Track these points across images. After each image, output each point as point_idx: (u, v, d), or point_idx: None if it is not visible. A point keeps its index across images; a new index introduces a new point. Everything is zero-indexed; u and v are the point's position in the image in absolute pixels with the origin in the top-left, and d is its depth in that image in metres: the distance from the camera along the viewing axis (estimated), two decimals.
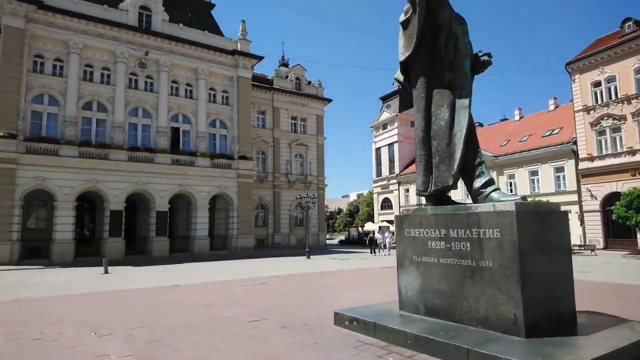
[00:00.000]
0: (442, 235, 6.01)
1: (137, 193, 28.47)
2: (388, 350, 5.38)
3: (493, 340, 4.85)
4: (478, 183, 6.11)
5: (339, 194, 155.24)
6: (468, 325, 5.51)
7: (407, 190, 51.75)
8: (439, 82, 6.56)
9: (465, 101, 6.23)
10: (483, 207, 5.57)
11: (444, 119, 6.39)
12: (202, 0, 34.77)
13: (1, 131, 22.99)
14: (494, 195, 5.89)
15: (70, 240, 24.92)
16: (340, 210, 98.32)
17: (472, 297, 5.50)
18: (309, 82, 42.85)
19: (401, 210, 51.21)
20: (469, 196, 6.40)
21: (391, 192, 55.06)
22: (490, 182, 6.06)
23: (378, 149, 57.95)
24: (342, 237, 60.83)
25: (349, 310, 6.94)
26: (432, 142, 6.59)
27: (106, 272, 18.40)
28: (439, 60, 6.61)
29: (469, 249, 5.61)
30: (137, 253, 28.71)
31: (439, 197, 6.71)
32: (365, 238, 39.02)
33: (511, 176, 37.42)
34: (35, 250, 25.24)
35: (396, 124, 54.39)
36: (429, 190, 6.59)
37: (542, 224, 5.43)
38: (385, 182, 56.01)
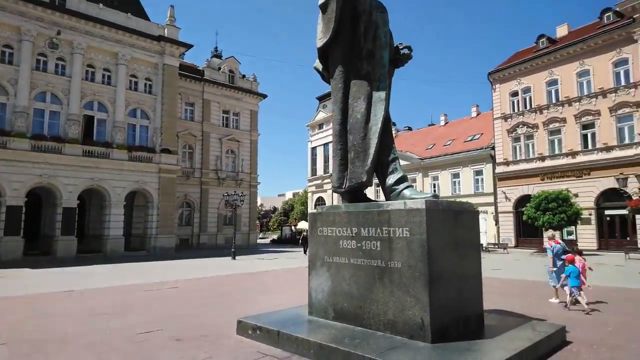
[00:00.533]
0: (354, 234, 5.61)
1: (42, 187, 25.46)
2: None
3: (398, 347, 4.49)
4: (391, 180, 5.81)
5: (275, 192, 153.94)
6: (376, 331, 5.14)
7: None
8: (357, 72, 6.18)
9: (382, 94, 5.91)
10: (394, 205, 5.24)
11: (360, 112, 6.02)
12: None
13: None
14: (406, 192, 5.61)
15: None
16: (275, 209, 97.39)
17: (381, 300, 5.14)
18: (243, 76, 41.47)
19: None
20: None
21: (325, 191, 55.26)
22: (403, 179, 5.77)
23: (314, 149, 57.91)
24: (275, 237, 60.10)
25: (253, 318, 6.30)
26: (348, 136, 6.20)
27: None
28: (358, 50, 6.23)
29: (379, 248, 5.25)
30: (42, 253, 25.66)
31: (355, 194, 6.33)
32: (298, 237, 38.58)
33: (435, 178, 39.11)
34: None
35: (332, 124, 54.57)
36: (344, 186, 6.18)
37: (453, 223, 5.21)
38: (319, 182, 56.10)
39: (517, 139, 32.82)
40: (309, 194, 59.61)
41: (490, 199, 34.42)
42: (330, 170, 53.98)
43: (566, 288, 8.33)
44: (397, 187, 5.72)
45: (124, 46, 28.67)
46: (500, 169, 33.46)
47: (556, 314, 7.60)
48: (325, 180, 54.28)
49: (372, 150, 5.76)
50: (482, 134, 37.30)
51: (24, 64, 24.54)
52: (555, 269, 9.12)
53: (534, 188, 30.08)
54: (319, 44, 6.46)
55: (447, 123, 46.08)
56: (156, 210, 29.20)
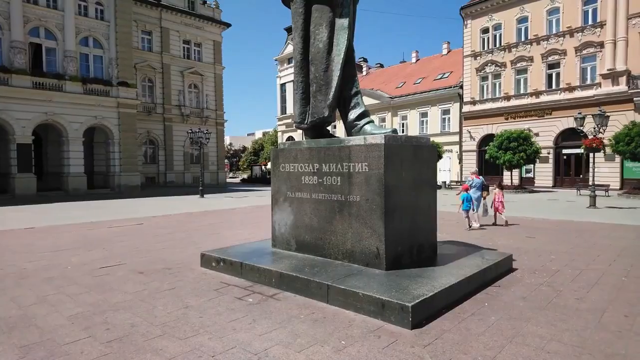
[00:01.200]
0: (315, 170, 5.61)
1: None
2: (251, 290, 5.00)
3: (355, 275, 4.71)
4: (352, 115, 5.73)
5: (244, 131, 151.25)
6: (334, 260, 5.35)
7: None
8: None
9: (345, 21, 5.62)
10: (355, 141, 5.21)
11: (322, 40, 5.74)
12: None
13: None
14: (367, 127, 5.57)
15: None
16: (245, 149, 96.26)
17: (340, 231, 5.29)
18: (204, 2, 38.59)
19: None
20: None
21: (295, 130, 54.61)
22: (364, 114, 5.70)
23: (283, 85, 56.23)
24: (245, 176, 59.94)
25: (217, 251, 6.40)
26: (310, 67, 5.96)
27: None
28: None
29: (339, 183, 5.30)
30: (1, 192, 24.64)
31: (319, 130, 6.23)
32: (269, 176, 38.61)
33: (404, 117, 39.26)
34: None
35: (293, 53, 52.75)
36: (306, 122, 6.05)
37: (411, 158, 5.27)
38: (290, 121, 55.18)
39: (484, 78, 32.96)
40: (279, 134, 58.84)
41: (456, 138, 35.17)
42: None
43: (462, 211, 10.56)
44: (358, 122, 5.67)
45: None
46: (466, 108, 33.86)
47: (506, 244, 8.14)
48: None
49: (334, 84, 5.60)
50: (451, 72, 37.13)
51: None
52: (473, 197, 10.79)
53: (498, 127, 30.86)
54: None
55: (418, 60, 45.43)
56: (118, 147, 28.17)
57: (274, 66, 59.42)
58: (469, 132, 33.73)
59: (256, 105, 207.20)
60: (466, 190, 10.70)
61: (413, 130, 37.85)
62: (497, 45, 32.08)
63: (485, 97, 32.89)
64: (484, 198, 11.02)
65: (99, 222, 12.30)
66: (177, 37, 36.33)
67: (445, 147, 33.76)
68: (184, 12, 36.39)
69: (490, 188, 11.54)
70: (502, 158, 26.07)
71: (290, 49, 54.15)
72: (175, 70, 36.08)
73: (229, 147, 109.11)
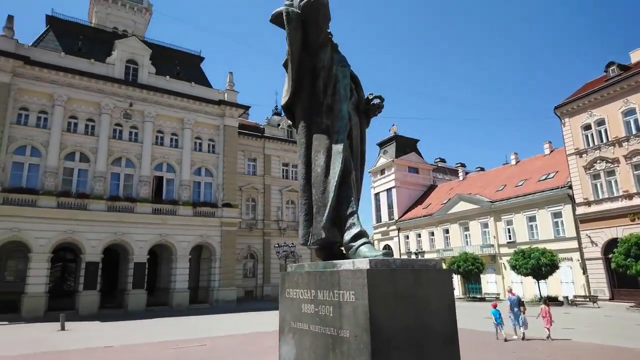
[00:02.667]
0: (312, 297, 5.14)
1: (117, 244, 27.89)
2: None
3: None
4: (348, 236, 5.37)
5: None
6: None
7: (407, 237, 50.32)
8: (318, 127, 6.09)
9: (340, 146, 5.72)
10: (345, 265, 4.75)
11: (320, 165, 5.86)
12: (191, 54, 35.92)
13: None
14: (362, 249, 5.10)
15: (42, 293, 24.08)
16: None
17: None
18: None
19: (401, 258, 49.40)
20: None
21: (391, 238, 53.61)
22: (360, 234, 5.29)
23: (377, 195, 57.23)
24: None
25: None
26: (312, 190, 5.98)
27: (62, 328, 17.42)
28: (318, 105, 6.16)
29: (331, 314, 4.72)
30: (116, 307, 27.65)
31: (329, 251, 5.94)
32: None
33: (509, 222, 35.95)
34: (11, 304, 24.42)
35: (393, 170, 54.00)
36: (309, 243, 5.87)
37: (410, 284, 4.56)
38: (385, 229, 54.76)
39: (596, 176, 29.29)
40: (375, 242, 58.13)
41: (574, 244, 30.51)
42: (395, 216, 52.68)
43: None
44: (353, 243, 5.27)
45: (189, 112, 31.58)
46: (581, 210, 29.81)
47: None
48: (391, 227, 52.81)
49: (328, 204, 5.45)
50: (556, 172, 33.98)
51: (103, 134, 27.99)
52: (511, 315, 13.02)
53: (624, 230, 26.18)
54: (282, 102, 6.53)
55: (518, 162, 42.95)
56: (218, 262, 30.30)
57: (366, 177, 60.50)
58: (589, 237, 29.11)
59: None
60: (494, 306, 12.74)
61: (522, 237, 34.18)
62: (604, 140, 28.97)
63: (601, 197, 28.82)
64: (523, 312, 12.60)
65: (169, 341, 12.70)
66: (278, 161, 40.49)
67: (561, 255, 29.41)
68: (283, 140, 40.98)
69: (542, 306, 13.16)
70: (633, 267, 21.52)
71: (382, 161, 56.10)
72: (275, 190, 39.45)
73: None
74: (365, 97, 6.61)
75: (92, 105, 28.27)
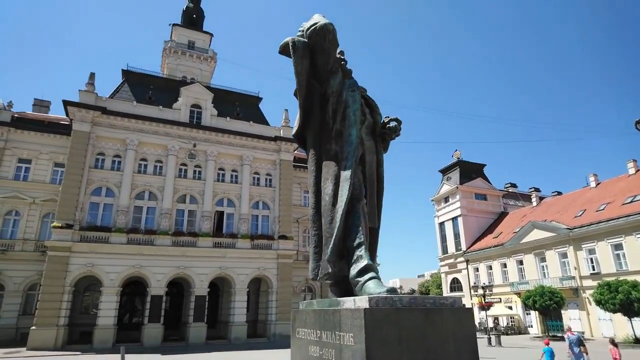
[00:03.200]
0: (318, 339, 4.73)
1: (180, 277, 29.05)
2: None
3: None
4: (354, 270, 4.91)
5: (415, 272, 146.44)
6: None
7: (477, 270, 46.95)
8: (327, 153, 5.84)
9: (348, 173, 5.37)
10: (346, 304, 4.31)
11: (328, 193, 5.52)
12: (249, 95, 37.78)
13: (60, 222, 25.53)
14: (369, 285, 4.61)
15: (111, 325, 25.53)
16: (413, 292, 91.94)
17: None
18: None
19: (471, 292, 46.04)
20: None
21: (459, 271, 50.36)
22: (367, 268, 4.80)
23: (441, 224, 54.58)
24: None
25: None
26: (322, 220, 5.64)
27: None
28: (327, 131, 5.94)
29: (334, 358, 4.27)
30: (179, 339, 28.47)
31: (344, 286, 5.49)
32: None
33: (591, 251, 32.18)
34: (86, 335, 26.20)
35: (458, 197, 51.43)
36: (318, 277, 5.47)
37: (419, 327, 3.99)
38: (452, 260, 51.70)
39: None
40: (442, 275, 54.92)
41: None
42: (463, 247, 49.52)
43: None
44: (359, 279, 4.80)
45: (247, 149, 32.91)
46: None
47: None
48: (459, 259, 49.73)
49: (333, 235, 5.07)
50: None
51: (170, 173, 29.92)
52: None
53: None
54: (293, 131, 6.41)
55: (598, 184, 38.84)
56: (275, 295, 30.29)
57: (427, 205, 58.35)
58: None
59: (421, 245, 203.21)
60: (547, 344, 12.81)
61: (607, 267, 30.37)
62: None
63: None
64: (586, 353, 12.05)
65: None
66: None
67: None
68: None
69: (610, 347, 12.97)
70: None
71: (446, 188, 53.78)
72: None
73: (398, 289, 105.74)
74: (383, 121, 6.30)
75: (160, 148, 30.51)
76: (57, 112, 36.73)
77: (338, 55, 6.45)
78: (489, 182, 54.80)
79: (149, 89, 33.80)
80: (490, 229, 49.16)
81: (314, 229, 5.73)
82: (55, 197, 28.44)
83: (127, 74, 34.29)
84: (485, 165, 57.29)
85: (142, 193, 29.39)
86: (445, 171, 56.97)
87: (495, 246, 43.28)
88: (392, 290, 4.27)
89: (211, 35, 49.59)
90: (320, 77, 6.10)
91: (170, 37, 47.04)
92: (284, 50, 6.06)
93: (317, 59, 6.11)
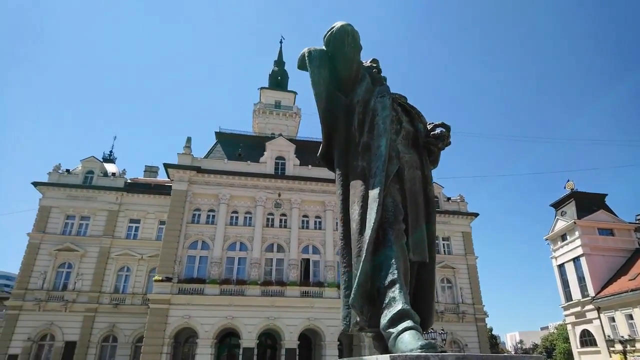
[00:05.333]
0: None
1: (270, 329, 28.73)
2: None
3: None
4: (385, 318, 3.68)
5: (537, 325, 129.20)
6: None
7: (613, 319, 39.08)
8: (354, 172, 4.88)
9: (376, 192, 4.30)
10: None
11: (355, 219, 4.49)
12: None
13: (161, 276, 27.36)
14: (404, 338, 3.39)
15: None
16: (535, 347, 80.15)
17: None
18: (449, 199, 40.00)
19: (608, 348, 38.15)
20: None
21: (590, 321, 42.40)
22: (402, 315, 3.57)
23: (561, 266, 47.30)
24: None
25: None
26: (351, 255, 4.60)
27: None
28: (354, 146, 5.03)
29: None
30: None
31: (384, 342, 4.30)
32: None
33: None
34: None
35: (577, 234, 44.50)
36: (350, 329, 4.33)
37: None
38: (578, 309, 43.91)
39: None
40: (569, 327, 46.65)
41: None
42: (590, 292, 41.94)
43: None
44: (392, 329, 3.57)
45: (329, 195, 32.65)
46: None
47: None
48: (587, 307, 42.02)
49: (360, 272, 4.01)
50: None
51: (258, 223, 30.84)
52: None
53: None
54: (319, 153, 5.58)
55: None
56: (367, 351, 28.13)
57: (545, 246, 52.17)
58: None
59: (543, 290, 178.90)
60: None
61: None
62: None
63: None
64: None
65: None
66: None
67: None
68: None
69: None
70: None
71: (561, 224, 47.14)
72: None
73: (518, 344, 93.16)
74: (427, 127, 5.26)
75: (248, 200, 31.88)
76: (163, 176, 41.04)
77: (369, 63, 5.69)
78: (614, 214, 46.84)
79: (239, 146, 36.13)
80: (623, 270, 41.17)
81: (344, 265, 4.69)
82: (159, 253, 30.87)
83: (220, 135, 37.28)
84: (606, 194, 49.49)
85: (234, 244, 30.52)
86: (558, 205, 50.27)
87: (633, 290, 35.79)
88: (427, 347, 3.06)
89: (295, 93, 52.61)
90: (345, 87, 5.34)
91: (259, 99, 50.88)
92: (302, 64, 5.48)
93: (339, 67, 5.38)
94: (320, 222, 32.43)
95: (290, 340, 27.62)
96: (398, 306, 3.62)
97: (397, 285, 3.81)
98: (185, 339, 30.01)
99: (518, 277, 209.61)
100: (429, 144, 5.10)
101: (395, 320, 3.57)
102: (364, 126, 4.98)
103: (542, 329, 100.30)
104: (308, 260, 31.11)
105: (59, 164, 34.46)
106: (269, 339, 30.95)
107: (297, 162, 33.96)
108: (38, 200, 32.75)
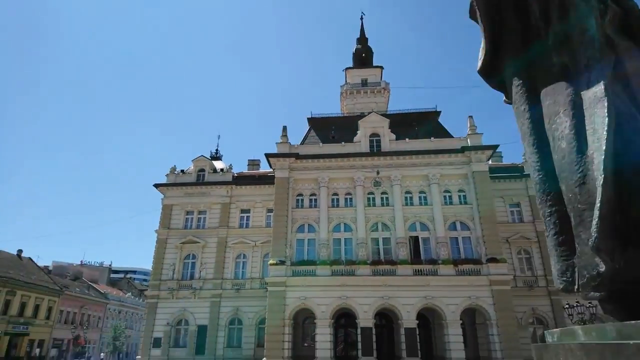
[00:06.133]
0: None
1: (386, 308, 28.17)
2: None
3: None
4: None
5: None
6: None
7: None
8: (545, 76, 3.48)
9: (598, 90, 2.98)
10: None
11: (564, 136, 3.13)
12: (426, 112, 36.03)
13: (275, 259, 28.37)
14: None
15: (329, 358, 26.20)
16: None
17: None
18: None
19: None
20: None
21: None
22: None
23: None
24: None
25: None
26: (560, 187, 3.36)
27: None
28: (537, 43, 3.72)
29: None
30: None
31: (629, 302, 3.05)
32: None
33: None
34: None
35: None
36: (576, 286, 3.17)
37: None
38: None
39: None
40: None
41: None
42: None
43: None
44: None
45: (432, 167, 30.86)
46: None
47: None
48: None
49: (598, 201, 2.83)
50: None
51: (359, 204, 30.31)
52: None
53: None
54: (478, 67, 4.33)
55: None
56: (495, 329, 26.13)
57: None
58: None
59: None
60: None
61: None
62: None
63: None
64: None
65: None
66: None
67: None
68: None
69: None
70: None
71: None
72: None
73: None
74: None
75: (347, 181, 31.50)
76: (264, 167, 42.68)
77: None
78: None
79: (331, 129, 35.85)
80: None
81: (548, 205, 3.42)
82: (270, 239, 32.10)
83: (312, 121, 37.38)
84: None
85: (338, 225, 30.46)
86: None
87: None
88: None
89: (381, 68, 50.76)
90: None
91: (345, 80, 50.08)
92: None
93: None
94: (424, 198, 30.72)
95: (408, 319, 26.76)
96: None
97: None
98: (303, 319, 30.91)
99: None
100: (631, 26, 3.65)
101: None
102: (549, 12, 3.70)
103: None
104: (417, 237, 29.76)
105: (174, 165, 37.68)
106: (384, 318, 30.48)
107: (393, 136, 32.54)
108: (160, 200, 36.23)
